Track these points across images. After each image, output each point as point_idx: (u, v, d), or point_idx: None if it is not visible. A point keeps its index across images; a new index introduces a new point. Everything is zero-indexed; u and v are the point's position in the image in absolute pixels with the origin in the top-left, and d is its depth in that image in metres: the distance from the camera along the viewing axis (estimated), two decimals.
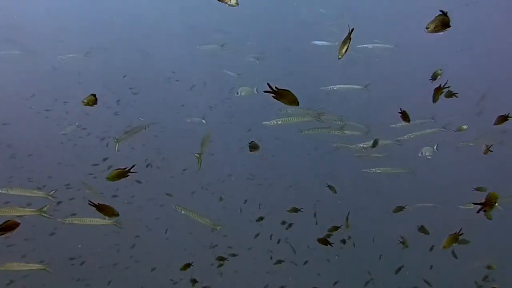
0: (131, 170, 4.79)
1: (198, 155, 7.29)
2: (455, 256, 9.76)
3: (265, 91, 3.80)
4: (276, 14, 22.64)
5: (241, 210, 13.58)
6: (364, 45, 13.28)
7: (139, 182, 13.48)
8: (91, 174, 12.99)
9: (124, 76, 16.46)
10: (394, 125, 10.22)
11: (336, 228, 7.73)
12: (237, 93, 9.21)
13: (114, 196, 13.22)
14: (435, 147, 9.53)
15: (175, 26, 21.12)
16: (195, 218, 8.26)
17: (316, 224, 11.48)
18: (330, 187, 9.62)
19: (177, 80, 17.18)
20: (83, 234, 12.85)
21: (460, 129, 8.05)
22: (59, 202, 10.99)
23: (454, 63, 20.34)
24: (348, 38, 4.32)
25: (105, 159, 13.09)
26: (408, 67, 19.90)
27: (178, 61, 19.01)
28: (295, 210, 8.41)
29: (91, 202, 4.99)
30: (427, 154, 9.52)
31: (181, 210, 8.25)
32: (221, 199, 13.31)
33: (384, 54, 14.73)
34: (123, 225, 8.20)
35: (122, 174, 4.73)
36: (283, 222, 10.65)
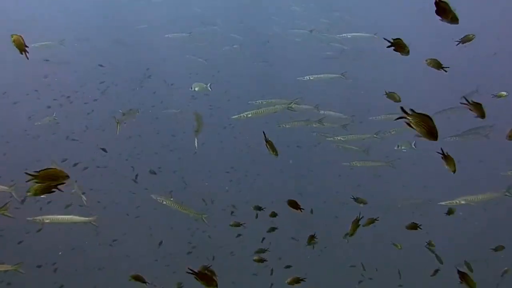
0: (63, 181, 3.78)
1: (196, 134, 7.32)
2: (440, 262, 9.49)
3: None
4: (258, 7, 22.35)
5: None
6: (343, 35, 12.90)
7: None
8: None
9: (101, 65, 15.73)
10: (374, 118, 10.05)
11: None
12: (191, 88, 8.87)
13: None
14: (413, 143, 9.35)
15: (157, 18, 20.60)
16: (178, 209, 7.71)
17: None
18: (356, 199, 9.38)
19: (149, 77, 16.58)
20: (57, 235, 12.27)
21: (499, 95, 7.55)
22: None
23: (443, 54, 20.25)
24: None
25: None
26: (393, 57, 19.69)
27: (156, 53, 18.52)
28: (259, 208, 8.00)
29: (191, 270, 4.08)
30: (403, 148, 9.32)
31: (162, 201, 7.71)
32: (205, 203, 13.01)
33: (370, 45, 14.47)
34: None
35: (47, 189, 3.76)
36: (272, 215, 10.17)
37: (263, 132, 5.68)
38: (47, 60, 14.97)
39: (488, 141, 11.35)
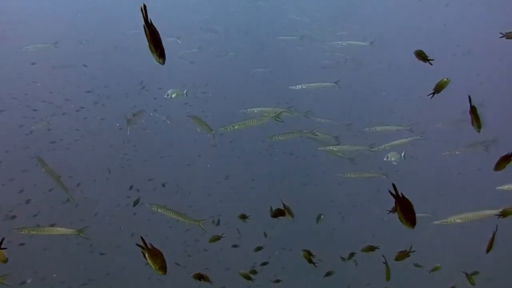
0: None
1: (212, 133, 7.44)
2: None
3: None
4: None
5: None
6: (338, 42, 12.69)
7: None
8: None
9: (85, 66, 15.42)
10: (367, 129, 9.94)
11: None
12: (167, 95, 8.67)
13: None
14: (402, 154, 9.28)
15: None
16: (174, 216, 7.32)
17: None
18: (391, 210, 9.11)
19: (141, 83, 16.28)
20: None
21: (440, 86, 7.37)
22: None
23: (441, 66, 20.05)
24: None
25: None
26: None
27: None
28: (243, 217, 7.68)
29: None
30: (393, 159, 9.25)
31: (156, 209, 7.33)
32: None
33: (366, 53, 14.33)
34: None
35: None
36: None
37: (282, 202, 5.87)
38: (33, 63, 14.68)
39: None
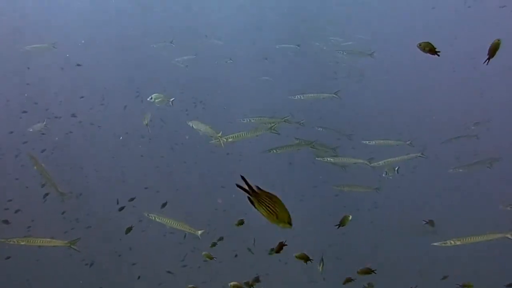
0: None
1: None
2: None
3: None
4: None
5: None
6: (340, 50, 12.58)
7: None
8: None
9: (78, 65, 15.15)
10: (367, 142, 9.82)
11: None
12: (151, 98, 8.30)
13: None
14: (396, 169, 9.42)
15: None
16: (172, 226, 7.07)
17: None
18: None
19: (136, 92, 16.09)
20: None
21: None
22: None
23: (442, 84, 19.92)
24: None
25: None
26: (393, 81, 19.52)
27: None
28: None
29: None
30: (390, 175, 9.41)
31: (154, 218, 7.06)
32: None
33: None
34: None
35: None
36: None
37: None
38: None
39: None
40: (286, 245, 6.19)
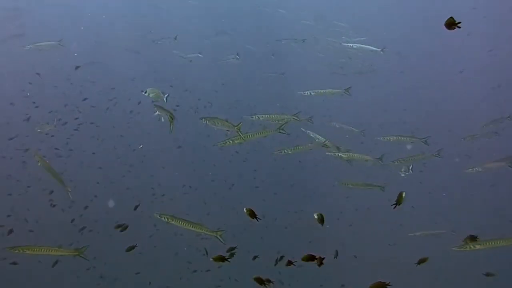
0: None
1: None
2: None
3: None
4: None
5: None
6: (349, 44, 12.33)
7: None
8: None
9: (77, 67, 14.89)
10: (383, 138, 9.53)
11: None
12: (145, 92, 7.88)
13: None
14: (410, 167, 9.44)
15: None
16: (188, 228, 6.40)
17: None
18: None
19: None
20: None
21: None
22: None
23: (451, 82, 19.49)
24: None
25: None
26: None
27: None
28: None
29: None
30: (406, 173, 9.57)
31: (167, 219, 6.36)
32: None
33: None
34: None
35: None
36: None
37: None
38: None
39: None
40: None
